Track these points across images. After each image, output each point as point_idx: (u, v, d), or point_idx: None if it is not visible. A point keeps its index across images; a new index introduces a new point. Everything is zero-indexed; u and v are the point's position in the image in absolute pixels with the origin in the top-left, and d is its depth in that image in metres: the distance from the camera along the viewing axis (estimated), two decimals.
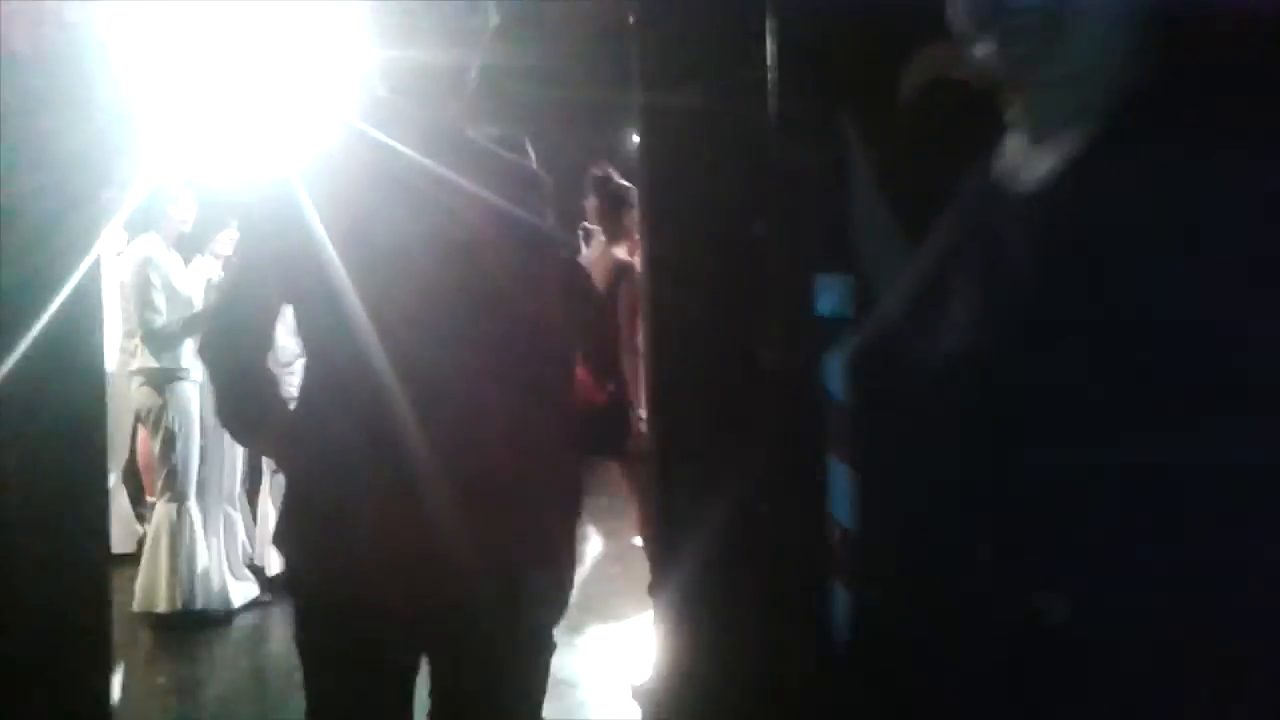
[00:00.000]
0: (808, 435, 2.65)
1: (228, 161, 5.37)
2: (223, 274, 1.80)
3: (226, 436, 4.97)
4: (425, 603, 1.74)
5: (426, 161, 1.77)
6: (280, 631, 5.01)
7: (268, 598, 5.22)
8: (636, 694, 3.79)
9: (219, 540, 5.06)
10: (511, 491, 1.78)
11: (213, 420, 4.93)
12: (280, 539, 1.88)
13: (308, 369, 1.89)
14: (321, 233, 1.73)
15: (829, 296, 2.56)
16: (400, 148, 1.78)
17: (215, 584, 4.98)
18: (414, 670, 1.89)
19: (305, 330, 1.85)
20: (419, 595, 1.72)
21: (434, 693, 1.90)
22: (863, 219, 1.62)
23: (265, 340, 1.90)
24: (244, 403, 1.87)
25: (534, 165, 2.29)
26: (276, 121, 5.61)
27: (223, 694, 4.32)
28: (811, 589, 2.60)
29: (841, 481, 2.58)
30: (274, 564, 5.36)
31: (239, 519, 5.26)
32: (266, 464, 5.34)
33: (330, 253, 1.72)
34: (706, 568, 2.92)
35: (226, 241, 5.21)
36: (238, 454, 5.19)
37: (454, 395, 1.74)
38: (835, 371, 2.58)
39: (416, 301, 1.75)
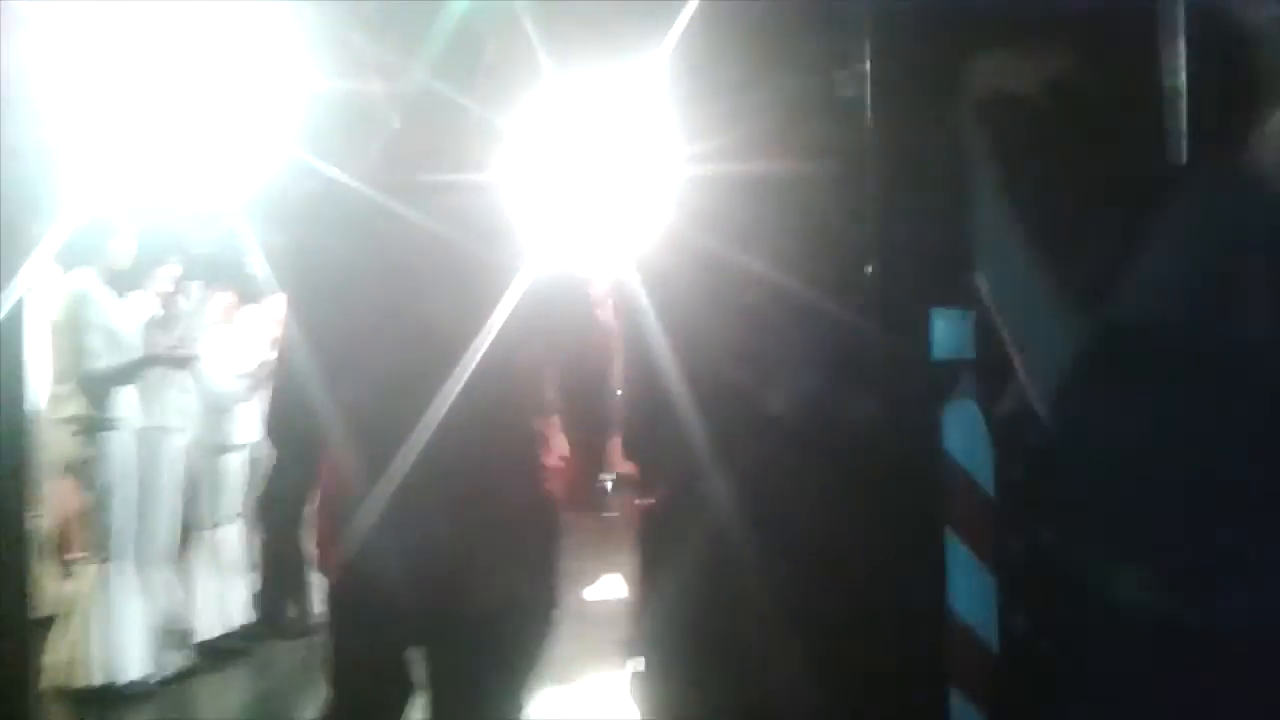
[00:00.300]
0: (910, 503, 2.25)
1: (169, 193, 5.26)
2: (276, 353, 2.29)
3: (159, 492, 4.77)
4: (432, 610, 2.09)
5: (441, 222, 2.07)
6: (213, 702, 4.73)
7: (199, 665, 4.91)
8: None
9: (150, 604, 4.73)
10: (505, 532, 2.13)
11: (148, 473, 4.71)
12: (326, 559, 2.19)
13: (347, 416, 2.12)
14: (367, 299, 2.08)
15: (948, 334, 2.18)
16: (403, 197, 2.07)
17: (144, 652, 4.64)
18: (409, 668, 2.21)
19: (345, 393, 2.10)
20: (428, 604, 2.07)
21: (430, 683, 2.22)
22: (991, 242, 1.42)
23: (323, 421, 2.14)
24: (300, 486, 2.22)
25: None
26: (223, 152, 5.53)
27: None
28: (910, 694, 2.21)
29: (964, 567, 2.16)
30: (208, 626, 5.08)
31: (168, 581, 4.91)
32: (204, 519, 5.09)
33: (374, 318, 2.07)
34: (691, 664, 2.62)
35: (167, 278, 5.09)
36: (171, 511, 4.87)
37: (466, 449, 2.05)
38: (959, 426, 2.19)
39: (435, 352, 2.04)
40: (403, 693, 2.24)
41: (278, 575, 2.29)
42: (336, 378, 2.10)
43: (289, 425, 2.19)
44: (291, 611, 2.25)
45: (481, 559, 2.11)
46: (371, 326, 2.09)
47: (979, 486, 2.19)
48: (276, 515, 2.26)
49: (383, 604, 2.10)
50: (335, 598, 2.23)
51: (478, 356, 2.06)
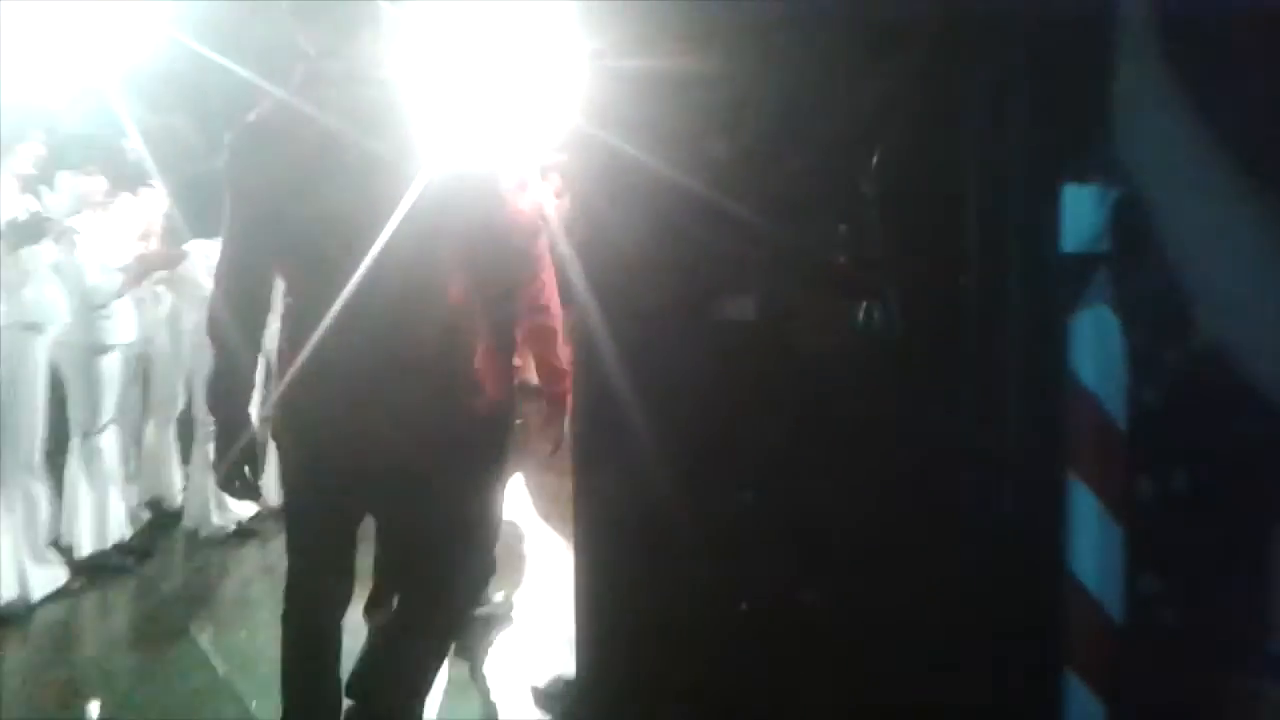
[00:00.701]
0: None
1: (34, 67, 4.89)
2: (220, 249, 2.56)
3: (26, 396, 4.40)
4: (374, 459, 2.45)
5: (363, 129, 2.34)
6: (94, 622, 4.43)
7: (77, 584, 4.56)
8: (539, 697, 3.56)
9: (20, 519, 4.38)
10: (439, 388, 2.48)
11: (13, 376, 4.33)
12: (276, 424, 2.59)
13: (292, 303, 2.53)
14: (302, 196, 2.34)
15: (1082, 219, 1.63)
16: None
17: (12, 572, 4.29)
18: (360, 514, 2.66)
19: (289, 278, 2.52)
20: (370, 454, 2.44)
21: (377, 531, 2.80)
22: (1138, 102, 1.11)
23: (265, 313, 2.58)
24: (238, 379, 2.54)
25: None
26: (98, 26, 5.15)
27: (25, 704, 3.65)
28: (1016, 679, 1.84)
29: (1089, 519, 1.75)
30: (85, 543, 4.72)
31: (40, 493, 4.52)
32: (77, 426, 4.70)
33: (308, 211, 2.34)
34: (637, 565, 2.53)
35: (28, 158, 4.67)
36: (36, 416, 4.46)
37: (398, 318, 2.39)
38: (1090, 341, 1.71)
39: (366, 244, 2.30)
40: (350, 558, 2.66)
41: (231, 448, 2.51)
42: (269, 262, 2.49)
43: (233, 311, 2.47)
44: (247, 479, 2.59)
45: (417, 419, 2.43)
46: (292, 216, 2.38)
47: (1111, 417, 1.79)
48: (226, 394, 2.53)
49: (331, 464, 2.47)
50: (288, 461, 2.61)
51: (389, 241, 2.31)
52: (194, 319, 5.36)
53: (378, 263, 2.31)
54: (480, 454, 2.73)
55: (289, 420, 2.56)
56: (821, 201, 2.29)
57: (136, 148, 5.05)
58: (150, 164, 5.13)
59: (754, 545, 2.39)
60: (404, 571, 2.79)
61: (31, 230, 4.35)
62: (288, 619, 2.67)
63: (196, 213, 5.34)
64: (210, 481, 5.36)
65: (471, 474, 2.66)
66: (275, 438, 2.66)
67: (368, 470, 2.47)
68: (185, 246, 5.27)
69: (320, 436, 2.48)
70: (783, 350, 2.33)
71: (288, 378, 2.47)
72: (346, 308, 2.33)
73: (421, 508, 2.55)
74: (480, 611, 3.92)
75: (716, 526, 2.45)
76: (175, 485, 5.61)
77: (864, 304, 2.11)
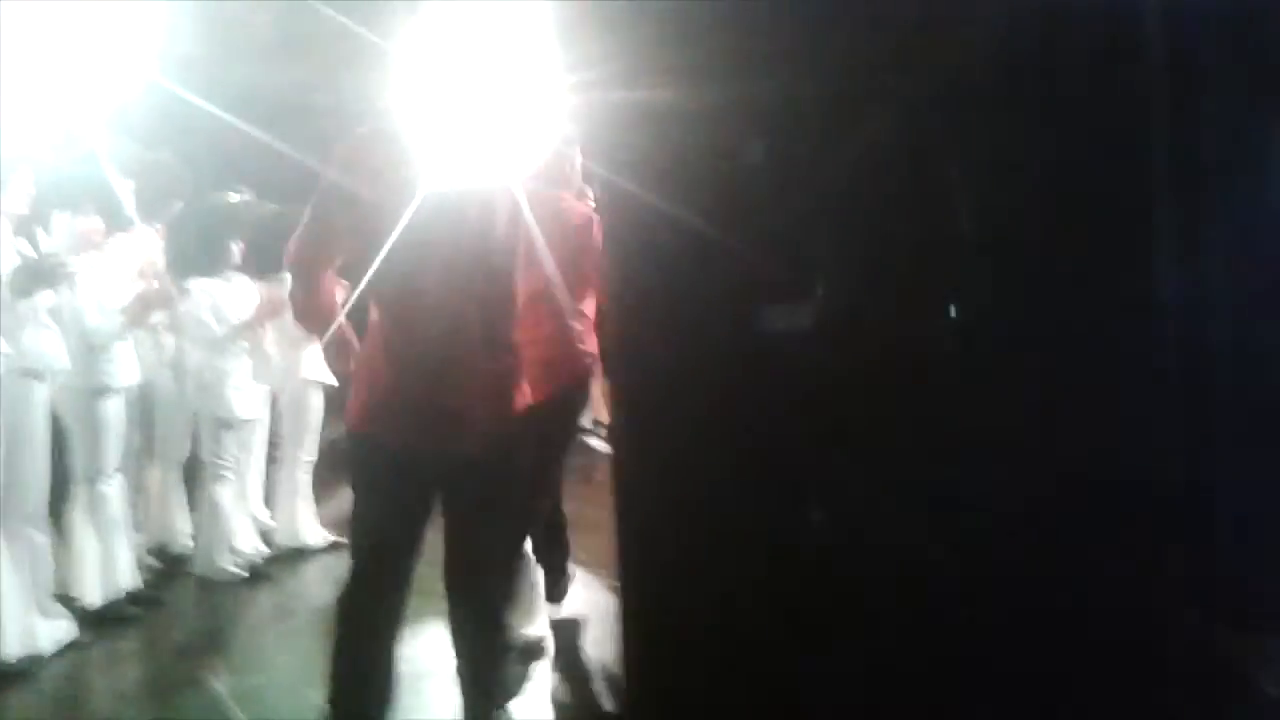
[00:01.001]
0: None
1: (23, 108, 4.80)
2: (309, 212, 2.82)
3: (28, 444, 4.23)
4: (444, 447, 2.68)
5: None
6: (107, 679, 4.24)
7: (88, 637, 4.38)
8: None
9: (22, 571, 4.18)
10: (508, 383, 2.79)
11: (14, 423, 4.14)
12: (355, 409, 2.78)
13: (375, 297, 2.73)
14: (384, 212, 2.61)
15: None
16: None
17: (18, 627, 4.10)
18: (431, 501, 2.78)
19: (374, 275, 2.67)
20: (440, 443, 2.68)
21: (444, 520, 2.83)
22: None
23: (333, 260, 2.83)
24: (317, 299, 2.84)
25: None
26: (86, 69, 5.08)
27: None
28: None
29: None
30: (93, 594, 4.57)
31: (45, 543, 4.36)
32: (80, 473, 4.58)
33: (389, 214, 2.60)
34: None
35: (19, 194, 4.50)
36: (39, 465, 4.27)
37: (470, 315, 2.70)
38: None
39: (443, 249, 2.66)
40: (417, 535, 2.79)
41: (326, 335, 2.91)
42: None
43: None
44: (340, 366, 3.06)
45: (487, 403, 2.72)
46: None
47: None
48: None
49: (403, 445, 2.67)
50: (362, 443, 2.76)
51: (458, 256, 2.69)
52: (197, 359, 5.26)
53: (453, 272, 2.69)
54: (548, 439, 3.25)
55: (368, 408, 2.74)
56: (887, 194, 2.16)
57: (129, 186, 4.94)
58: (143, 201, 5.03)
59: (829, 571, 2.25)
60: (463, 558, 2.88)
61: (41, 274, 4.23)
62: (341, 603, 2.82)
63: (189, 249, 5.26)
64: (219, 526, 5.27)
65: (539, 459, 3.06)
66: (351, 436, 2.80)
67: (443, 450, 2.69)
68: (187, 284, 5.17)
69: (400, 419, 2.68)
70: (854, 357, 2.18)
71: (368, 376, 2.75)
72: (424, 309, 2.68)
73: (492, 489, 2.79)
74: (516, 643, 3.80)
75: (782, 551, 2.31)
76: (182, 531, 5.49)
77: (958, 295, 1.97)
